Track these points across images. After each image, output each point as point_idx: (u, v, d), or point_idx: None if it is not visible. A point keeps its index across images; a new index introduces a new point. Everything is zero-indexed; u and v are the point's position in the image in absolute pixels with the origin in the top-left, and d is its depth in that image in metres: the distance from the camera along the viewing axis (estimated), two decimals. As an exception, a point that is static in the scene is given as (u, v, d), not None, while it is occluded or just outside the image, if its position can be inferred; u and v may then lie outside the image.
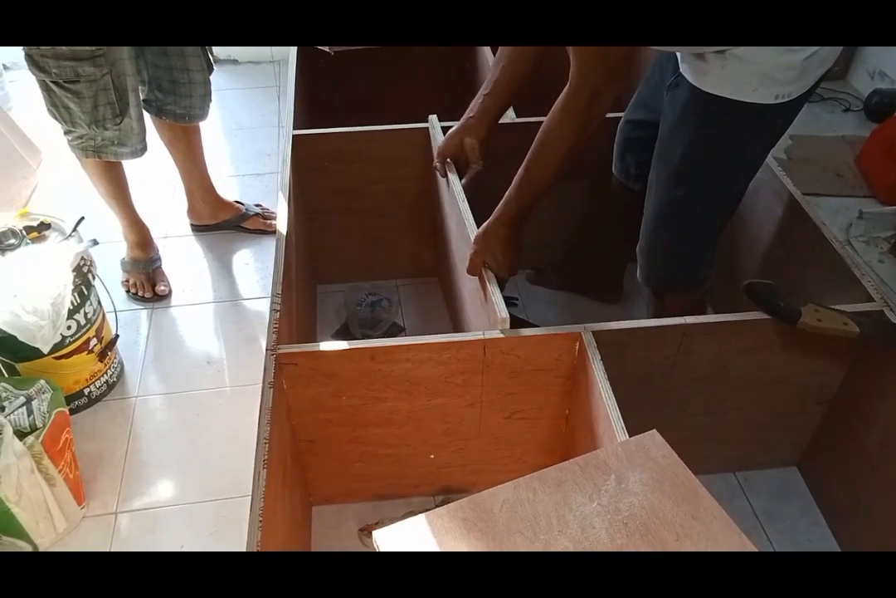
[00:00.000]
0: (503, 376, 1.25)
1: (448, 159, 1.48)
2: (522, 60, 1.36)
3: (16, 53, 2.25)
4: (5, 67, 2.79)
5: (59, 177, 2.37)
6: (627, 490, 0.93)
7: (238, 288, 2.00)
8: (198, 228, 2.17)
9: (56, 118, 1.64)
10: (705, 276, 1.44)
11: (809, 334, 1.19)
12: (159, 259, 2.02)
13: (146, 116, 1.77)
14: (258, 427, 1.07)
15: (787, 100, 1.16)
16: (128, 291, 1.97)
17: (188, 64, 1.75)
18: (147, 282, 1.95)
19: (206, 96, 1.86)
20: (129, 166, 1.85)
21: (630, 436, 1.05)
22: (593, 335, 1.19)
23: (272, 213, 2.18)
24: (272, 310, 1.24)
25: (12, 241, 1.46)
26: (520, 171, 1.25)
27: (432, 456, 1.40)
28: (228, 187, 2.32)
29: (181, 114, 1.85)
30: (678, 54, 1.25)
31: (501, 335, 1.19)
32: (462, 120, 1.46)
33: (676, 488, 0.92)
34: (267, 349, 1.18)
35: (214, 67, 1.85)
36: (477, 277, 1.31)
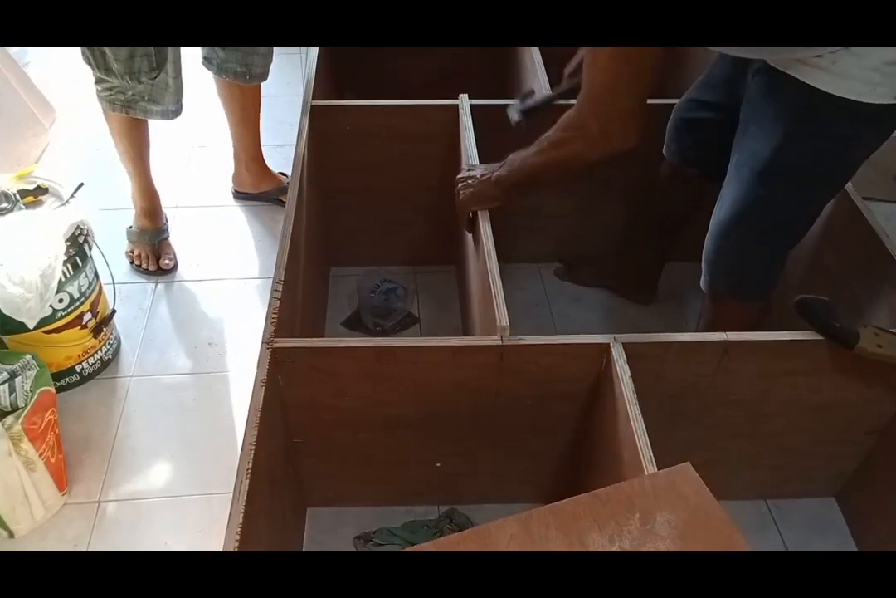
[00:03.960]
0: (521, 384, 1.13)
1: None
2: None
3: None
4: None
5: (72, 137, 2.27)
6: (653, 533, 0.81)
7: (250, 266, 1.89)
8: (238, 195, 2.09)
9: (89, 63, 1.54)
10: (772, 286, 1.30)
11: (866, 359, 1.07)
12: (167, 230, 1.92)
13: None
14: (245, 431, 0.97)
15: None
16: (132, 263, 1.87)
17: None
18: (152, 254, 1.86)
19: (268, 55, 1.77)
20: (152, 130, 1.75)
21: (658, 465, 0.94)
22: (623, 348, 1.07)
23: None
24: (272, 298, 1.13)
25: (4, 205, 1.37)
26: (525, 153, 1.19)
27: (439, 464, 1.29)
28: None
29: (241, 72, 1.75)
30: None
31: (521, 342, 1.07)
32: None
33: (710, 535, 0.81)
34: (263, 342, 1.07)
35: None
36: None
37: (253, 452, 0.93)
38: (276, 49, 2.70)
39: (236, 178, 2.08)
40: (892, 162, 2.26)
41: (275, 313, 1.10)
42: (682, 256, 1.75)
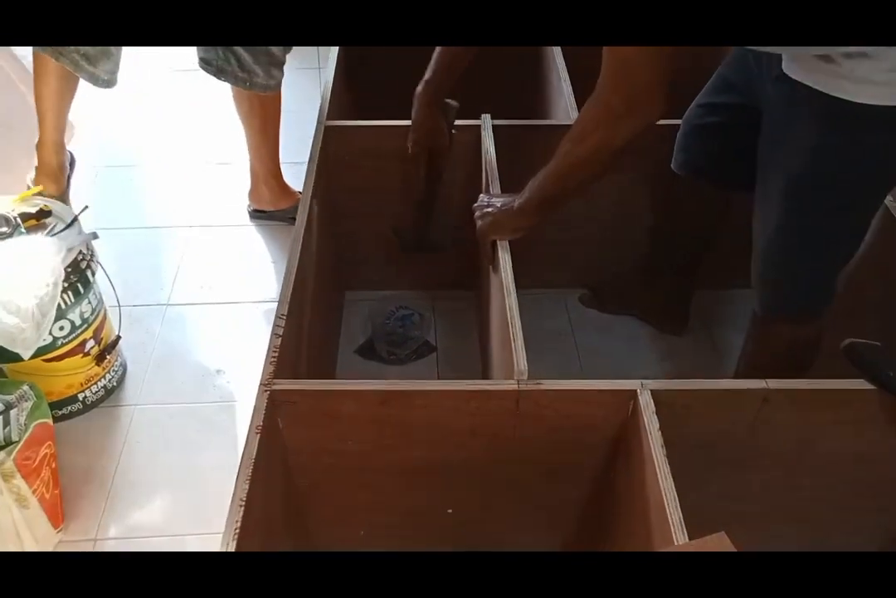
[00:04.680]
0: (539, 431, 1.05)
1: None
2: None
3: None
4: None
5: (89, 154, 2.23)
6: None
7: (264, 289, 1.82)
8: (255, 215, 2.01)
9: None
10: (829, 303, 1.22)
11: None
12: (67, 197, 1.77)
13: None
14: (235, 483, 0.89)
15: None
16: None
17: None
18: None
19: (272, 65, 1.66)
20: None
21: (688, 520, 0.85)
22: (652, 395, 0.98)
23: None
24: (273, 334, 1.06)
25: (4, 229, 1.31)
26: (545, 168, 1.12)
27: (450, 510, 1.20)
28: (264, 175, 2.15)
29: (243, 78, 1.65)
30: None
31: (540, 386, 0.99)
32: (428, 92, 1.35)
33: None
34: (261, 383, 1.00)
35: None
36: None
37: (242, 510, 0.85)
38: (295, 62, 2.66)
39: (253, 195, 2.01)
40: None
41: (275, 352, 1.03)
42: (711, 283, 1.67)
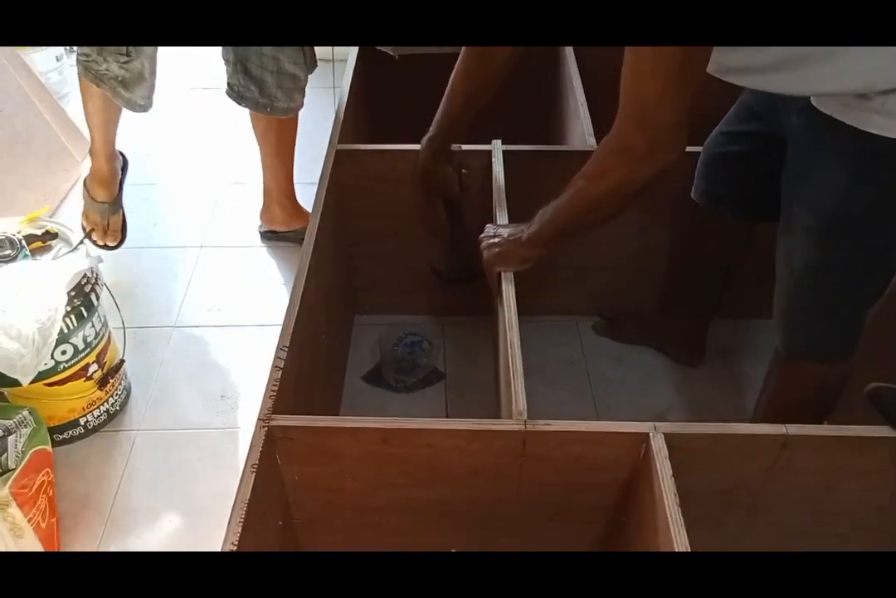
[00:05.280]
0: (546, 472, 1.01)
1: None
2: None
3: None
4: (70, 50, 2.67)
5: (104, 171, 2.23)
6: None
7: (273, 312, 1.79)
8: (267, 236, 2.00)
9: None
10: (856, 345, 1.17)
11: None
12: (121, 208, 1.86)
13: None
14: (227, 526, 0.86)
15: None
16: (84, 227, 1.83)
17: (281, 52, 1.60)
18: (100, 229, 1.82)
19: (295, 90, 1.69)
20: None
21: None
22: (665, 439, 0.93)
23: None
24: (274, 367, 1.03)
25: (8, 252, 1.30)
26: (557, 201, 1.08)
27: (454, 550, 1.16)
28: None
29: (264, 104, 1.69)
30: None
31: (547, 427, 0.95)
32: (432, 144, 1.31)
33: None
34: (259, 418, 0.97)
35: (318, 65, 1.72)
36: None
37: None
38: (313, 82, 2.67)
39: (265, 215, 2.00)
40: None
41: (275, 385, 1.00)
42: (729, 312, 1.62)
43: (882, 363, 1.31)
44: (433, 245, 1.51)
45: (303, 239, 1.94)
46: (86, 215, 1.84)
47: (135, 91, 1.60)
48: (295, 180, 2.10)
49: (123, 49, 1.53)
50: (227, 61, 1.65)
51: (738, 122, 1.26)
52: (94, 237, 1.82)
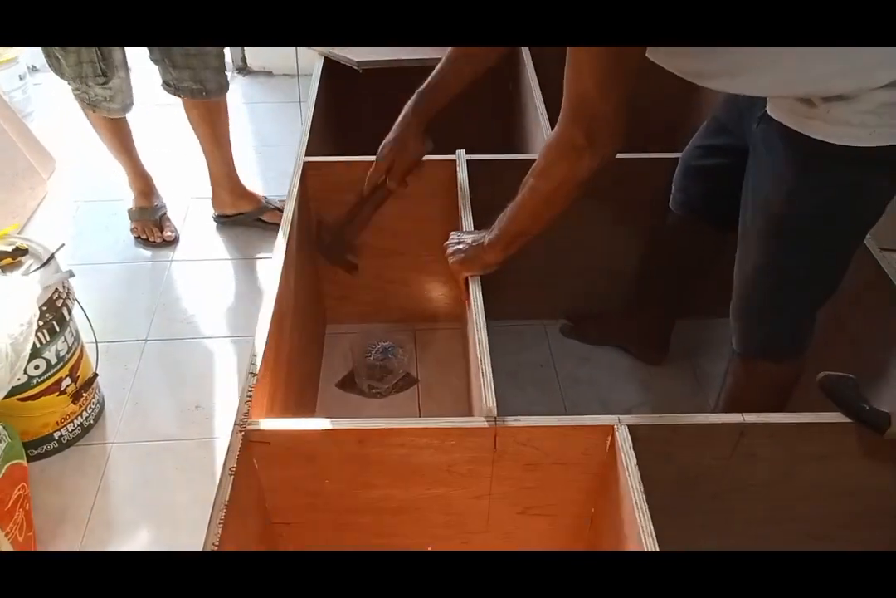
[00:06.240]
0: (517, 468, 1.04)
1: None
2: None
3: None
4: (33, 69, 2.67)
5: (70, 188, 2.23)
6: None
7: (244, 323, 1.81)
8: (220, 220, 2.11)
9: (51, 68, 1.75)
10: (808, 344, 1.21)
11: (899, 442, 0.97)
12: (164, 207, 2.08)
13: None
14: (208, 527, 0.88)
15: None
16: (137, 237, 2.03)
17: None
18: (155, 227, 2.02)
19: (220, 69, 1.83)
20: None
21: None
22: (629, 430, 0.97)
23: None
24: (249, 373, 1.05)
25: (-21, 268, 1.30)
26: (512, 203, 1.13)
27: (430, 548, 1.19)
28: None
29: (197, 89, 1.83)
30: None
31: (516, 423, 0.98)
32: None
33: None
34: (235, 423, 0.99)
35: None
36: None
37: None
38: (283, 96, 2.72)
39: (215, 200, 2.10)
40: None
41: (250, 391, 1.02)
42: (692, 312, 1.67)
43: (833, 360, 1.37)
44: (337, 216, 1.51)
45: (257, 219, 2.09)
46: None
47: (117, 100, 1.79)
48: (264, 193, 2.13)
49: (100, 71, 1.71)
50: (156, 61, 1.80)
51: (710, 136, 1.30)
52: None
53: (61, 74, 1.74)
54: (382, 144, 1.37)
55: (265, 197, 2.11)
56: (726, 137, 1.25)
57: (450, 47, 1.29)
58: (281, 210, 2.05)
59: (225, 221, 2.10)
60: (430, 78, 1.31)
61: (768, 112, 1.04)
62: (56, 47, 1.66)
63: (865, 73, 0.89)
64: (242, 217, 2.07)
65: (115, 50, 1.71)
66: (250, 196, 2.08)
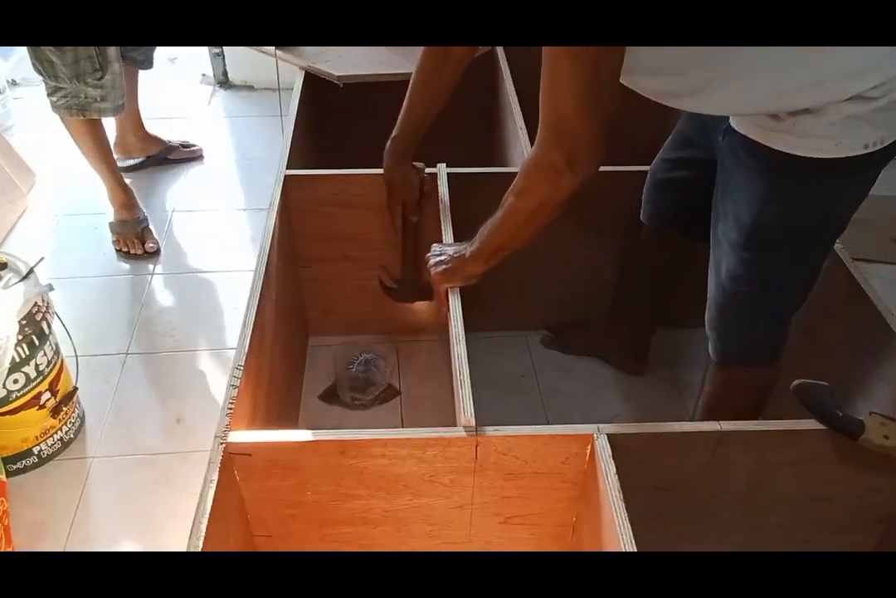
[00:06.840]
0: (499, 477, 1.05)
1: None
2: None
3: (26, 69, 2.15)
4: (13, 83, 2.66)
5: (51, 201, 2.23)
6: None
7: (225, 335, 1.81)
8: (127, 169, 2.23)
9: (41, 73, 1.74)
10: (782, 351, 1.24)
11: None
12: (146, 219, 2.06)
13: None
14: (189, 540, 0.88)
15: (879, 148, 0.97)
16: (118, 250, 2.03)
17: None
18: (137, 239, 2.01)
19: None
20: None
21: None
22: (608, 439, 0.98)
23: (192, 144, 2.40)
24: (230, 385, 1.05)
25: (-42, 282, 1.30)
26: (493, 218, 1.14)
27: (413, 559, 1.19)
28: (232, 222, 2.18)
29: (141, 60, 2.01)
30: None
31: (497, 433, 0.99)
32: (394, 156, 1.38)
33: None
34: (216, 435, 0.99)
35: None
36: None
37: (195, 567, 0.84)
38: (264, 110, 2.76)
39: (120, 147, 2.22)
40: (891, 225, 2.21)
41: (231, 403, 1.02)
42: (671, 322, 1.69)
43: (807, 368, 1.39)
44: (389, 261, 1.55)
45: (165, 158, 2.30)
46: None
47: (110, 99, 1.78)
48: (244, 206, 2.14)
49: (97, 65, 1.71)
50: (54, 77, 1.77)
51: (676, 149, 1.33)
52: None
53: (55, 77, 1.71)
54: (383, 182, 1.42)
55: (169, 140, 2.33)
56: (692, 150, 1.27)
57: (411, 81, 1.31)
58: (184, 146, 2.38)
59: (133, 168, 2.26)
60: (399, 119, 1.34)
61: (732, 125, 1.06)
62: (51, 49, 1.65)
63: (833, 86, 0.92)
64: (151, 160, 2.28)
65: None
66: (156, 140, 2.29)
